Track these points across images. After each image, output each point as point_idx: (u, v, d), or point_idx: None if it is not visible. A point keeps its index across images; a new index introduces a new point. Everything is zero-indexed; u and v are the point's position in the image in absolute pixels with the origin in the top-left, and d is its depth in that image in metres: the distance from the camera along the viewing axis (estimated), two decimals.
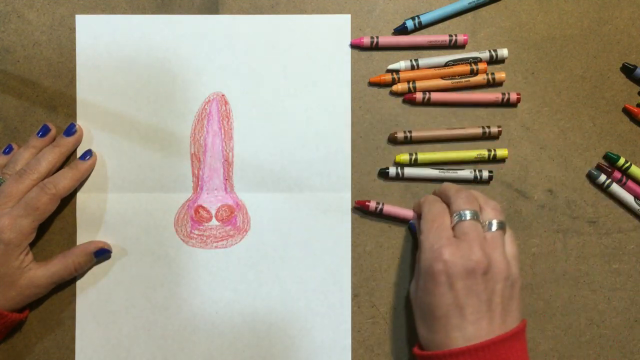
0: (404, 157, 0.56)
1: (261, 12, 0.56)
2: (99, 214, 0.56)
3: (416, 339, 0.56)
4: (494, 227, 0.48)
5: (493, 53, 0.56)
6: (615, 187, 0.56)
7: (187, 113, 0.56)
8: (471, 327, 0.45)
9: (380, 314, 0.56)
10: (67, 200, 0.55)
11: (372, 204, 0.55)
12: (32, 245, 0.54)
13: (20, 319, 0.53)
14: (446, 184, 0.53)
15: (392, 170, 0.56)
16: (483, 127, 0.56)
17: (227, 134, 0.56)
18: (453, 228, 0.48)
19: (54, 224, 0.56)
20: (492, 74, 0.56)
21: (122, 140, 0.56)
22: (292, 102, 0.57)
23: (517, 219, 0.56)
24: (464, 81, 0.56)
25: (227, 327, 0.56)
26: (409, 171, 0.56)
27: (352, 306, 0.56)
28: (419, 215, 0.53)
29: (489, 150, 0.56)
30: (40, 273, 0.52)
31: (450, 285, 0.46)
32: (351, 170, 0.56)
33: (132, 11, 0.56)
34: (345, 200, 0.56)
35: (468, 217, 0.48)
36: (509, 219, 0.56)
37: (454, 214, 0.49)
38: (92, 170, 0.56)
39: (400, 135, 0.56)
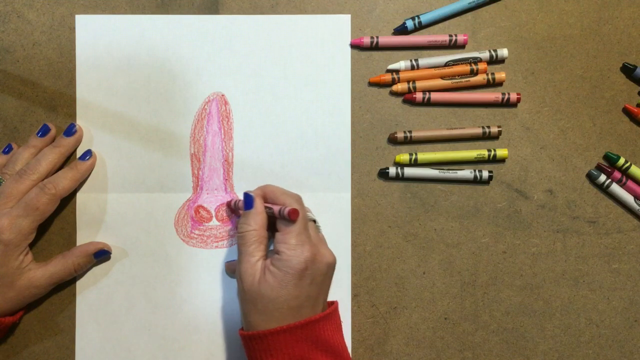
0: (404, 157, 0.56)
1: (261, 12, 0.56)
2: (99, 214, 0.56)
3: (416, 337, 0.56)
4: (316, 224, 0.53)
5: (493, 53, 0.56)
6: (615, 187, 0.56)
7: (187, 113, 0.56)
8: (310, 312, 0.49)
9: (380, 314, 0.56)
10: (67, 201, 0.55)
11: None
12: (32, 245, 0.54)
13: (12, 322, 0.53)
14: (268, 187, 0.52)
15: (392, 170, 0.56)
16: (483, 127, 0.56)
17: (227, 134, 0.56)
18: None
19: (54, 224, 0.56)
20: (492, 74, 0.56)
21: (122, 140, 0.56)
22: (292, 102, 0.57)
23: (517, 219, 0.56)
24: (464, 81, 0.56)
25: (227, 327, 0.56)
26: (409, 171, 0.56)
27: (352, 306, 0.56)
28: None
29: (489, 150, 0.56)
30: (39, 274, 0.52)
31: (313, 280, 0.48)
32: (351, 170, 0.56)
33: (132, 11, 0.56)
34: (345, 200, 0.56)
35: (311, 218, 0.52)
36: (509, 219, 0.56)
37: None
38: (92, 171, 0.56)
39: (400, 135, 0.56)
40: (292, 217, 0.48)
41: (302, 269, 0.47)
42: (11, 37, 0.56)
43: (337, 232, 0.56)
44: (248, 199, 0.51)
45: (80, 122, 0.56)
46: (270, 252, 0.50)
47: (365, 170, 0.56)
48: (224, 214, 0.56)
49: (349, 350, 0.55)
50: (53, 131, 0.55)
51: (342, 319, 0.56)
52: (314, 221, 0.52)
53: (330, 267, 0.50)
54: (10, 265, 0.51)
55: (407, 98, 0.56)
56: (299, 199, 0.51)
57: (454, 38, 0.56)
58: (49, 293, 0.55)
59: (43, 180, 0.53)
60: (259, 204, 0.51)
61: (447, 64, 0.56)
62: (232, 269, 0.56)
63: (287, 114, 0.56)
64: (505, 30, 0.57)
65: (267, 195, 0.51)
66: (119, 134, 0.56)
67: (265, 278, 0.48)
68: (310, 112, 0.56)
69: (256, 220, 0.50)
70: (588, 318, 0.56)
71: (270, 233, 0.52)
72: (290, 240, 0.48)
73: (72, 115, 0.56)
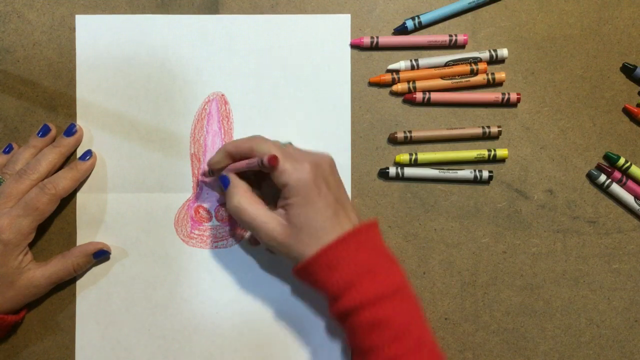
0: (404, 157, 0.56)
1: (261, 12, 0.56)
2: (99, 214, 0.56)
3: None
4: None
5: (493, 53, 0.56)
6: (615, 187, 0.56)
7: (187, 113, 0.56)
8: (346, 216, 0.49)
9: None
10: (67, 201, 0.55)
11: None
12: (31, 245, 0.54)
13: (16, 321, 0.53)
14: (228, 146, 0.52)
15: (392, 170, 0.56)
16: (483, 127, 0.56)
17: (227, 134, 0.56)
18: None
19: (54, 224, 0.56)
20: (492, 74, 0.56)
21: (122, 140, 0.56)
22: (292, 102, 0.57)
23: (517, 219, 0.56)
24: (464, 81, 0.56)
25: (227, 327, 0.56)
26: (409, 171, 0.56)
27: None
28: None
29: (489, 150, 0.56)
30: (39, 273, 0.52)
31: (327, 183, 0.48)
32: (351, 170, 0.56)
33: (132, 11, 0.56)
34: None
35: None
36: (509, 218, 0.56)
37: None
38: (92, 171, 0.56)
39: (400, 135, 0.56)
40: (273, 163, 0.47)
41: (312, 179, 0.47)
42: (11, 37, 0.56)
43: None
44: (223, 180, 0.51)
45: (80, 122, 0.56)
46: (272, 198, 0.51)
47: (365, 170, 0.56)
48: (224, 214, 0.56)
49: (349, 350, 0.55)
50: (53, 131, 0.55)
51: None
52: (290, 143, 0.53)
53: (332, 164, 0.50)
54: (10, 264, 0.51)
55: (407, 98, 0.56)
56: (261, 139, 0.50)
57: (454, 38, 0.56)
58: (48, 293, 0.55)
59: (43, 180, 0.53)
60: (234, 178, 0.51)
61: (447, 64, 0.56)
62: (255, 242, 0.56)
63: (287, 114, 0.56)
64: (505, 30, 0.57)
65: (233, 154, 0.51)
66: (119, 134, 0.56)
67: (291, 214, 0.48)
68: (310, 112, 0.56)
69: (239, 191, 0.50)
70: (588, 318, 0.56)
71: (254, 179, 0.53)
72: (286, 168, 0.48)
73: (72, 115, 0.56)
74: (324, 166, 0.49)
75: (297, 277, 0.49)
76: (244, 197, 0.49)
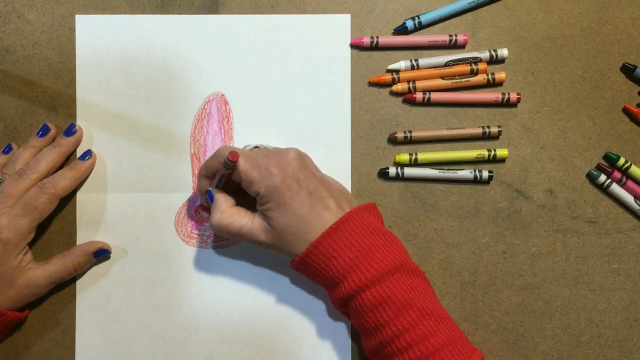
0: (404, 157, 0.56)
1: (261, 12, 0.56)
2: (99, 214, 0.56)
3: None
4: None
5: (493, 53, 0.56)
6: (615, 187, 0.56)
7: (187, 113, 0.56)
8: (331, 201, 0.50)
9: None
10: (67, 200, 0.55)
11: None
12: (31, 245, 0.54)
13: (20, 318, 0.53)
14: (202, 170, 0.52)
15: (392, 170, 0.56)
16: (483, 127, 0.56)
17: (227, 134, 0.56)
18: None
19: (54, 224, 0.56)
20: (492, 74, 0.56)
21: (122, 140, 0.56)
22: (292, 102, 0.56)
23: (517, 219, 0.56)
24: (464, 81, 0.56)
25: (227, 327, 0.56)
26: (409, 171, 0.56)
27: None
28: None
29: (489, 150, 0.56)
30: (39, 273, 0.52)
31: (298, 180, 0.48)
32: (351, 170, 0.56)
33: (132, 11, 0.56)
34: None
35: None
36: (509, 218, 0.56)
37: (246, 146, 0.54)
38: (91, 171, 0.56)
39: (400, 135, 0.56)
40: (232, 158, 0.47)
41: (281, 182, 0.48)
42: (11, 37, 0.56)
43: None
44: (208, 196, 0.51)
45: (80, 122, 0.56)
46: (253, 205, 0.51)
47: (365, 170, 0.56)
48: None
49: (349, 350, 0.55)
50: (53, 131, 0.55)
51: (342, 319, 0.56)
52: (257, 146, 0.53)
53: (299, 157, 0.49)
54: (10, 264, 0.51)
55: (407, 98, 0.56)
56: (224, 147, 0.50)
57: (454, 38, 0.56)
58: (49, 292, 0.55)
59: (42, 180, 0.53)
60: (215, 193, 0.51)
61: (447, 64, 0.56)
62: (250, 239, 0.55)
63: (287, 114, 0.56)
64: (505, 30, 0.57)
65: (208, 174, 0.51)
66: (119, 134, 0.56)
67: (270, 218, 0.48)
68: (310, 112, 0.56)
69: (220, 207, 0.50)
70: (588, 318, 0.56)
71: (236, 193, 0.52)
72: (254, 177, 0.48)
73: (72, 115, 0.56)
74: (291, 164, 0.49)
75: (295, 269, 0.50)
76: (224, 213, 0.50)
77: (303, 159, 0.50)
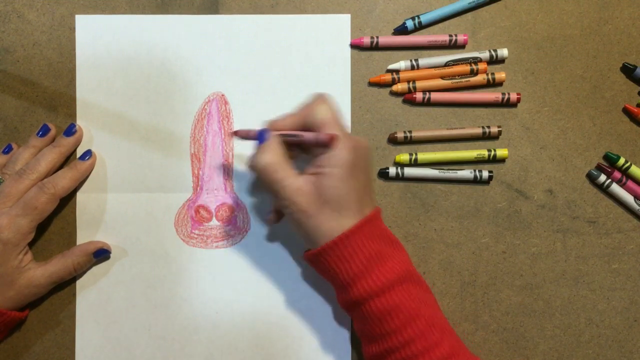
0: (404, 157, 0.56)
1: (261, 12, 0.56)
2: (99, 214, 0.56)
3: None
4: None
5: (493, 53, 0.56)
6: (615, 187, 0.56)
7: (187, 113, 0.56)
8: (369, 203, 0.49)
9: None
10: (67, 200, 0.55)
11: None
12: (31, 245, 0.54)
13: (20, 318, 0.53)
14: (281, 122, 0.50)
15: (392, 170, 0.56)
16: (483, 127, 0.56)
17: (227, 134, 0.56)
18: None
19: (54, 224, 0.56)
20: (492, 74, 0.56)
21: (122, 140, 0.56)
22: (292, 102, 0.56)
23: (517, 219, 0.56)
24: (464, 81, 0.56)
25: (227, 327, 0.56)
26: (409, 171, 0.56)
27: None
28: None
29: (489, 150, 0.56)
30: (39, 273, 0.52)
31: (362, 168, 0.48)
32: None
33: (132, 11, 0.56)
34: None
35: None
36: (509, 218, 0.56)
37: None
38: (91, 171, 0.56)
39: (400, 135, 0.56)
40: (331, 143, 0.46)
41: (353, 158, 0.47)
42: (11, 37, 0.56)
43: None
44: (262, 133, 0.49)
45: (80, 122, 0.56)
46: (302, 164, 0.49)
47: None
48: (224, 214, 0.56)
49: (349, 350, 0.55)
50: (53, 131, 0.55)
51: (342, 319, 0.56)
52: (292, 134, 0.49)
53: (370, 150, 0.51)
54: (10, 264, 0.51)
55: (407, 98, 0.56)
56: (316, 106, 0.48)
57: (454, 38, 0.56)
58: (48, 292, 0.55)
59: (42, 179, 0.53)
60: (274, 136, 0.48)
61: (447, 64, 0.56)
62: (275, 218, 0.53)
63: None
64: (505, 30, 0.57)
65: (288, 127, 0.49)
66: (119, 134, 0.56)
67: (323, 184, 0.46)
68: None
69: (274, 148, 0.48)
70: (588, 318, 0.56)
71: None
72: (337, 134, 0.47)
73: (72, 115, 0.56)
74: (364, 150, 0.49)
75: (306, 261, 0.50)
76: (277, 155, 0.47)
77: (371, 153, 0.51)
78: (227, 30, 0.56)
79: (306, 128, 0.48)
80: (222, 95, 0.56)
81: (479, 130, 0.56)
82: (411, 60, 0.56)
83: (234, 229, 0.56)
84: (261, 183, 0.48)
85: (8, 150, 0.55)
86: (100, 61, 0.56)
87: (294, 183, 0.47)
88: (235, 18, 0.56)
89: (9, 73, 0.56)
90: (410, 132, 0.56)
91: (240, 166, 0.56)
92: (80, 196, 0.56)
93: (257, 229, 0.56)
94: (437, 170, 0.56)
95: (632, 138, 0.57)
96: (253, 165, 0.48)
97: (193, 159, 0.56)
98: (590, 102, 0.57)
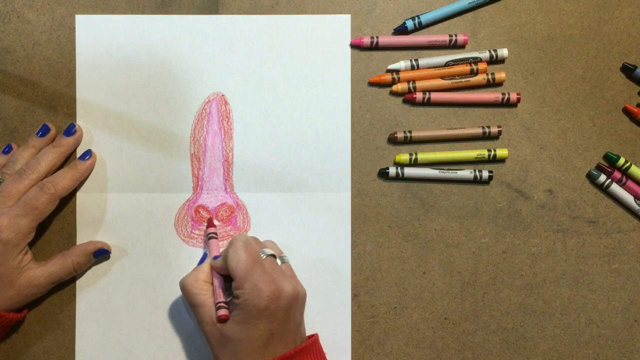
0: (404, 157, 0.56)
1: (261, 12, 0.56)
2: (99, 214, 0.56)
3: (416, 337, 0.56)
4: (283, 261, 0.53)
5: (493, 53, 0.56)
6: (615, 187, 0.56)
7: (187, 113, 0.56)
8: (282, 348, 0.48)
9: (380, 314, 0.56)
10: (67, 200, 0.55)
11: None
12: (31, 245, 0.54)
13: (18, 319, 0.53)
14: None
15: (392, 170, 0.56)
16: (483, 127, 0.56)
17: (227, 134, 0.56)
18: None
19: (54, 224, 0.56)
20: (492, 74, 0.56)
21: (122, 140, 0.56)
22: (292, 102, 0.57)
23: (517, 219, 0.56)
24: (464, 81, 0.56)
25: None
26: (409, 171, 0.56)
27: (352, 306, 0.56)
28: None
29: (489, 150, 0.56)
30: (39, 273, 0.52)
31: (274, 318, 0.48)
32: (351, 170, 0.56)
33: (132, 11, 0.56)
34: (345, 200, 0.56)
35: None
36: (509, 218, 0.56)
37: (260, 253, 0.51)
38: (91, 170, 0.56)
39: (400, 135, 0.56)
40: (221, 319, 0.48)
41: (262, 308, 0.47)
42: (11, 37, 0.56)
43: (337, 232, 0.56)
44: (203, 257, 0.54)
45: (80, 122, 0.56)
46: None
47: (365, 170, 0.56)
48: (224, 214, 0.56)
49: (349, 349, 0.55)
50: (53, 131, 0.55)
51: (342, 319, 0.56)
52: (274, 256, 0.51)
53: (293, 300, 0.48)
54: (10, 264, 0.51)
55: (407, 98, 0.56)
56: (238, 250, 0.49)
57: (454, 38, 0.56)
58: (48, 292, 0.55)
59: (42, 179, 0.53)
60: (210, 262, 0.52)
61: (447, 64, 0.56)
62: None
63: (287, 114, 0.56)
64: (505, 30, 0.57)
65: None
66: (119, 134, 0.56)
67: (229, 323, 0.48)
68: (310, 112, 0.56)
69: (196, 272, 0.52)
70: (588, 318, 0.56)
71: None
72: (244, 285, 0.47)
73: (72, 115, 0.56)
74: (280, 300, 0.47)
75: None
76: (194, 278, 0.51)
77: (295, 301, 0.49)
78: (227, 31, 0.56)
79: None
80: (222, 95, 0.57)
81: (479, 130, 0.56)
82: (411, 60, 0.56)
83: (234, 229, 0.56)
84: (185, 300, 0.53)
85: (8, 150, 0.55)
86: (100, 61, 0.56)
87: (206, 312, 0.50)
88: (235, 18, 0.56)
89: (9, 73, 0.56)
90: (410, 132, 0.56)
91: (240, 166, 0.56)
92: (80, 196, 0.56)
93: (257, 229, 0.56)
94: (437, 170, 0.56)
95: (632, 138, 0.57)
96: (180, 283, 0.52)
97: (193, 159, 0.56)
98: (590, 102, 0.57)
